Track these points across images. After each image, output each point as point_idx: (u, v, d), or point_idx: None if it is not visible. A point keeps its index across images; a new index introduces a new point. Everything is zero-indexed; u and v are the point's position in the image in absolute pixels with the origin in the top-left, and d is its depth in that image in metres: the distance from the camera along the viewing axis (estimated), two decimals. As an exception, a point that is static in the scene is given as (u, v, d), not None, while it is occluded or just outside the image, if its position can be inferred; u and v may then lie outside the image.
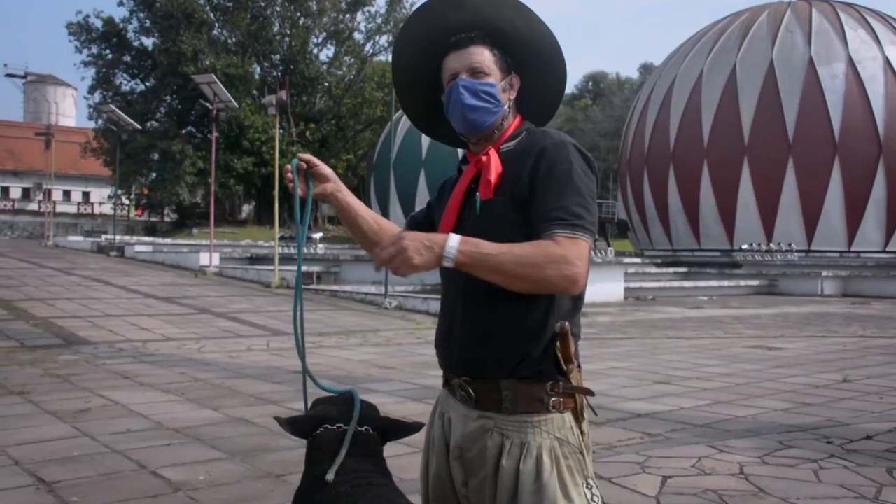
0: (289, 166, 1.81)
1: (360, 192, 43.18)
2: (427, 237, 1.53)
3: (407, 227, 1.92)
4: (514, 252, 1.53)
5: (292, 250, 26.87)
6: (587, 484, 1.66)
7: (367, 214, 1.92)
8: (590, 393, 1.70)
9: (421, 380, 7.55)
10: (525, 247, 1.55)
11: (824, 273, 24.27)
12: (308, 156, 1.85)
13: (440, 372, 1.83)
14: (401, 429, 1.78)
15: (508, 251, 1.53)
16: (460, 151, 1.95)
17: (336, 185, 1.87)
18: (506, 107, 1.79)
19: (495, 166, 1.72)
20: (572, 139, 1.73)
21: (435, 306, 14.15)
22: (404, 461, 4.32)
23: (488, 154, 1.75)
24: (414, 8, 2.06)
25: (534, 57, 1.83)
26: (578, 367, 1.71)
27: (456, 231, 1.72)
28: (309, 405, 1.83)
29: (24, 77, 71.21)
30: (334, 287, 17.80)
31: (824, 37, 29.02)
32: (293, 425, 1.70)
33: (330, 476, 1.59)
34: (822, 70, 28.29)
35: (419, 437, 1.84)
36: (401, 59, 1.92)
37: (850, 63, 28.25)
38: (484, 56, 1.77)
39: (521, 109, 1.85)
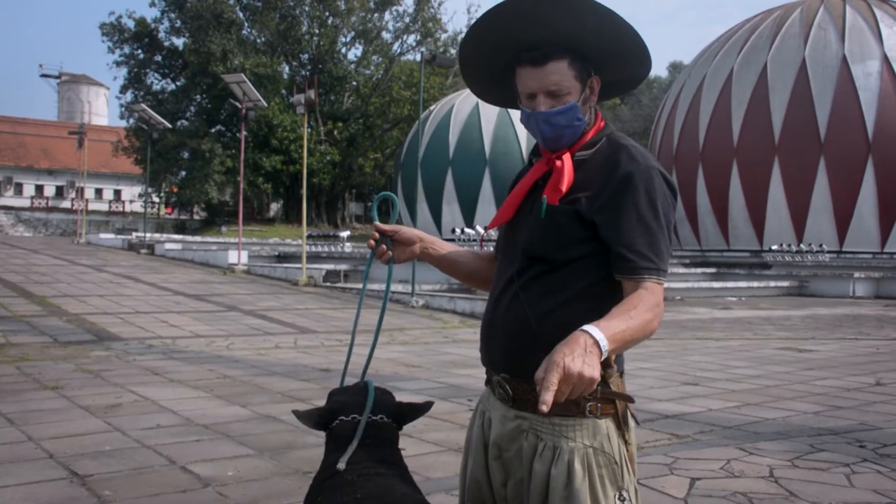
0: (375, 234, 1.83)
1: (388, 191, 43.20)
2: (571, 347, 1.41)
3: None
4: (636, 319, 1.51)
5: (319, 248, 27.14)
6: (620, 496, 1.61)
7: (467, 256, 1.92)
8: (629, 399, 1.65)
9: (448, 378, 7.54)
10: (636, 307, 1.53)
11: (856, 274, 23.88)
12: (384, 226, 1.82)
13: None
14: (413, 410, 1.79)
15: (632, 320, 1.51)
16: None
17: (424, 244, 1.87)
18: (587, 116, 1.70)
19: (568, 174, 1.65)
20: (657, 163, 1.65)
21: (462, 305, 14.17)
22: (431, 459, 4.33)
23: (562, 159, 1.67)
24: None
25: (616, 60, 1.72)
26: (620, 372, 1.67)
27: (511, 225, 1.73)
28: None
29: (58, 77, 72.36)
30: (361, 285, 17.87)
31: (858, 34, 28.54)
32: (311, 419, 1.76)
33: (341, 465, 1.63)
34: (856, 68, 27.82)
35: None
36: (468, 63, 1.81)
37: (886, 61, 27.75)
38: (562, 74, 1.65)
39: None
